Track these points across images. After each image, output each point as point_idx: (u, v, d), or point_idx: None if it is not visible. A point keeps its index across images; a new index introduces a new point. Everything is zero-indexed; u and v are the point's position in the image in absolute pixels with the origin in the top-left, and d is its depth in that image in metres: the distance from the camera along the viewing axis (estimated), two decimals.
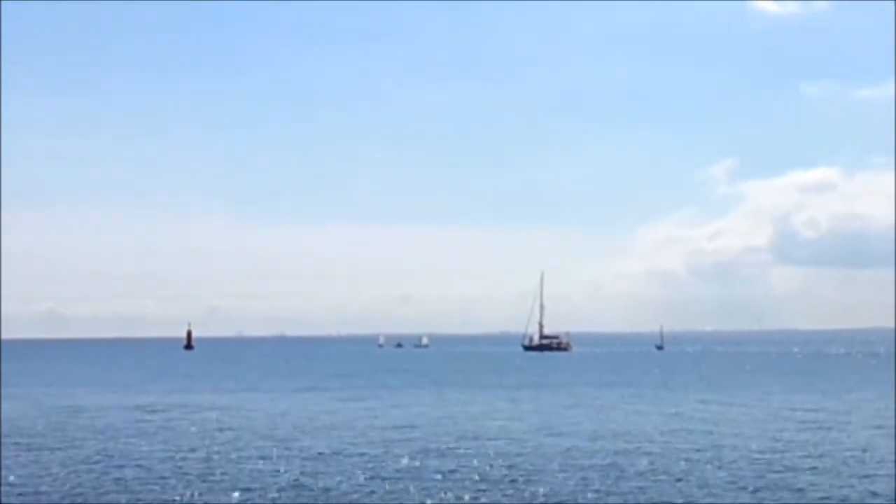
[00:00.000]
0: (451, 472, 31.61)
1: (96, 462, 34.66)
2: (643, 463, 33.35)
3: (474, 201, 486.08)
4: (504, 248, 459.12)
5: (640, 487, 28.65)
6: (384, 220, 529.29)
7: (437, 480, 29.92)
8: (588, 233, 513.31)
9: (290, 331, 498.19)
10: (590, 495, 27.62)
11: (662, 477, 30.52)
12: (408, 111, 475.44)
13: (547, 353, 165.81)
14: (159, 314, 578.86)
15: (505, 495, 27.68)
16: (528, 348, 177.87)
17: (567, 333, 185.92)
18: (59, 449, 38.41)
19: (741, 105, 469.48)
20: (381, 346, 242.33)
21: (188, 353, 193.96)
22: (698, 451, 36.34)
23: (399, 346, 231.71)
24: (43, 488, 29.46)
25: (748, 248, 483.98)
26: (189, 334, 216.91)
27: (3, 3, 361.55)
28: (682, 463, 33.28)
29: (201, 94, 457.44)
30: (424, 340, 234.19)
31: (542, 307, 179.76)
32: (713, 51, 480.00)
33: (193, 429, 45.42)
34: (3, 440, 41.08)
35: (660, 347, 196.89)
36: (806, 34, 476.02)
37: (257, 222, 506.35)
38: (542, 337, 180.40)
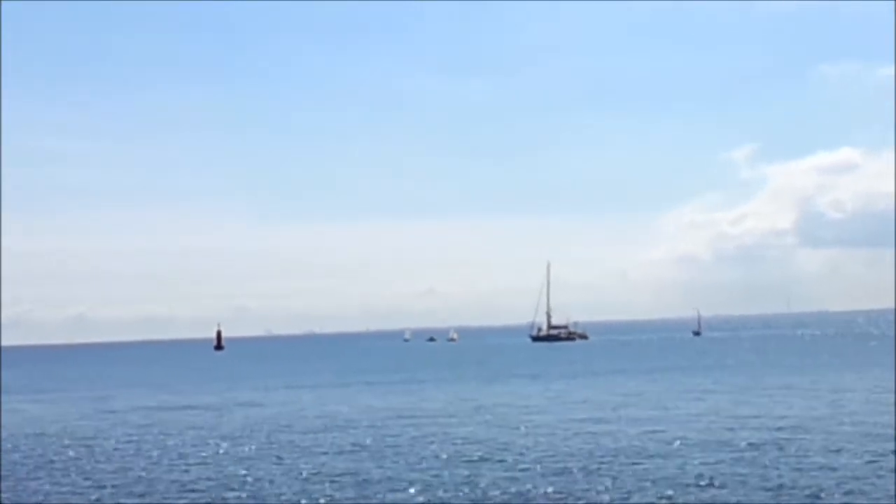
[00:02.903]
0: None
1: (160, 464, 34.06)
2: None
3: (497, 193, 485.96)
4: (528, 239, 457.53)
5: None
6: (407, 215, 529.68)
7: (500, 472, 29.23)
8: (612, 221, 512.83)
9: (319, 328, 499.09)
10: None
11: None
12: (430, 106, 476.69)
13: (556, 344, 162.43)
14: (188, 315, 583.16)
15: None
16: (536, 339, 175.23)
17: (576, 323, 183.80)
18: (110, 453, 37.87)
19: (762, 89, 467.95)
20: (406, 340, 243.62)
21: (219, 353, 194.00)
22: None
23: (431, 339, 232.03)
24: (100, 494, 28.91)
25: (773, 231, 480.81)
26: (219, 335, 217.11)
27: (10, 2, 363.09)
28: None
29: (220, 94, 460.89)
30: (452, 334, 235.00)
31: (548, 297, 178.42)
32: (733, 35, 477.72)
33: (236, 427, 44.82)
34: (52, 444, 40.69)
35: (697, 333, 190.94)
36: (825, 15, 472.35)
37: (281, 221, 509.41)
38: (550, 327, 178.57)
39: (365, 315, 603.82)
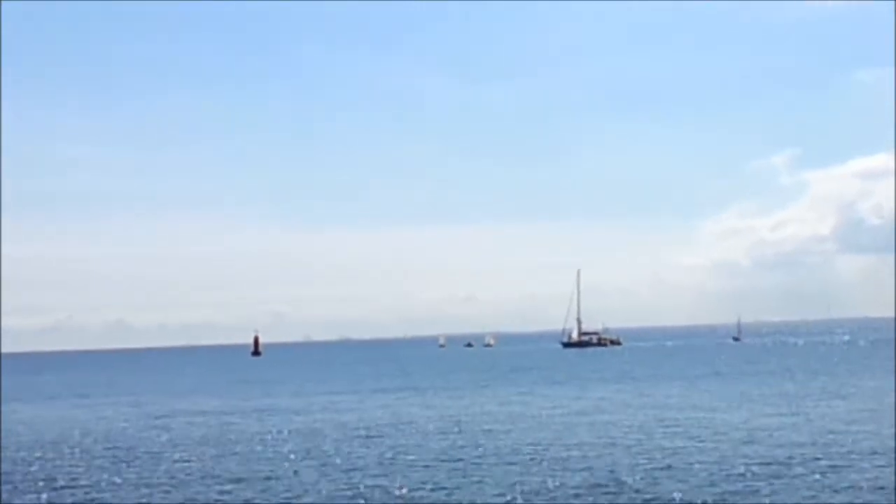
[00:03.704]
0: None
1: (199, 470, 34.24)
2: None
3: (532, 198, 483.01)
4: (565, 245, 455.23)
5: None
6: (443, 220, 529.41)
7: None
8: (649, 226, 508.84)
9: (356, 334, 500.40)
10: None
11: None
12: (460, 111, 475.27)
13: (587, 350, 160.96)
14: (225, 321, 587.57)
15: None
16: (567, 345, 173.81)
17: (607, 329, 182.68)
18: (152, 457, 38.13)
19: (799, 94, 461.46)
20: (441, 346, 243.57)
21: (256, 359, 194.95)
22: None
23: (469, 345, 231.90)
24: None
25: (812, 238, 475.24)
26: (256, 340, 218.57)
27: (17, 4, 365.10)
28: None
29: (241, 99, 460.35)
30: (489, 340, 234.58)
31: (579, 304, 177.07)
32: (769, 40, 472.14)
33: (275, 433, 45.00)
34: (102, 451, 41.08)
35: (736, 339, 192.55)
36: (859, 20, 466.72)
37: (318, 227, 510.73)
38: (581, 333, 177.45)
39: (401, 321, 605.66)
